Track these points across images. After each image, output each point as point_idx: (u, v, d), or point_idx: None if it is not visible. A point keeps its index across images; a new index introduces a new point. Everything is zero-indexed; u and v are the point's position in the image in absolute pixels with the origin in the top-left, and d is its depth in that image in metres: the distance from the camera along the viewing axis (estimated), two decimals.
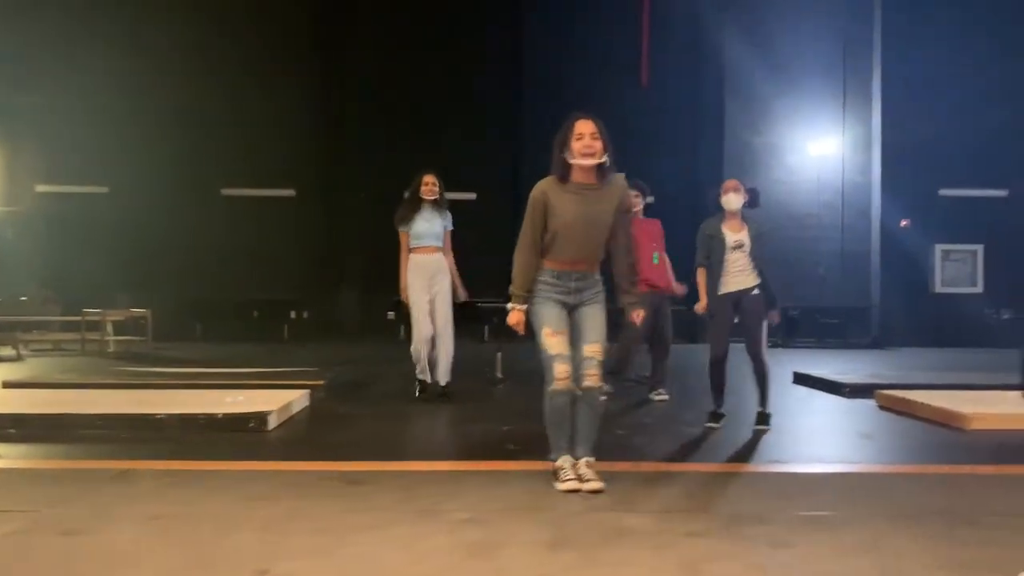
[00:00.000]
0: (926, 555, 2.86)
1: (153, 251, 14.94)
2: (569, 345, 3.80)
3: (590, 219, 3.75)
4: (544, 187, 3.82)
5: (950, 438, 5.44)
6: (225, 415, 5.23)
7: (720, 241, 5.65)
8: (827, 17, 16.12)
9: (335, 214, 15.57)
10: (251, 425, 5.18)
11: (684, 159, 15.65)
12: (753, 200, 5.87)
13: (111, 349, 11.90)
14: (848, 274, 15.98)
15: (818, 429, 5.74)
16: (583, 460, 3.79)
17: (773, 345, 14.92)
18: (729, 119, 15.94)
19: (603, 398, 3.95)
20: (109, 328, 12.12)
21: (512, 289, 3.89)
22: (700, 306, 5.78)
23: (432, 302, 6.65)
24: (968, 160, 15.65)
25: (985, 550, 2.92)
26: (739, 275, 5.65)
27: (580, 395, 3.79)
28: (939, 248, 15.83)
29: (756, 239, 5.61)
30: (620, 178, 3.87)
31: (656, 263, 7.04)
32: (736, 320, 5.70)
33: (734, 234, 5.63)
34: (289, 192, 15.64)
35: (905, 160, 15.62)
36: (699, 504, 3.54)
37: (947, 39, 15.38)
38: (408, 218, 6.68)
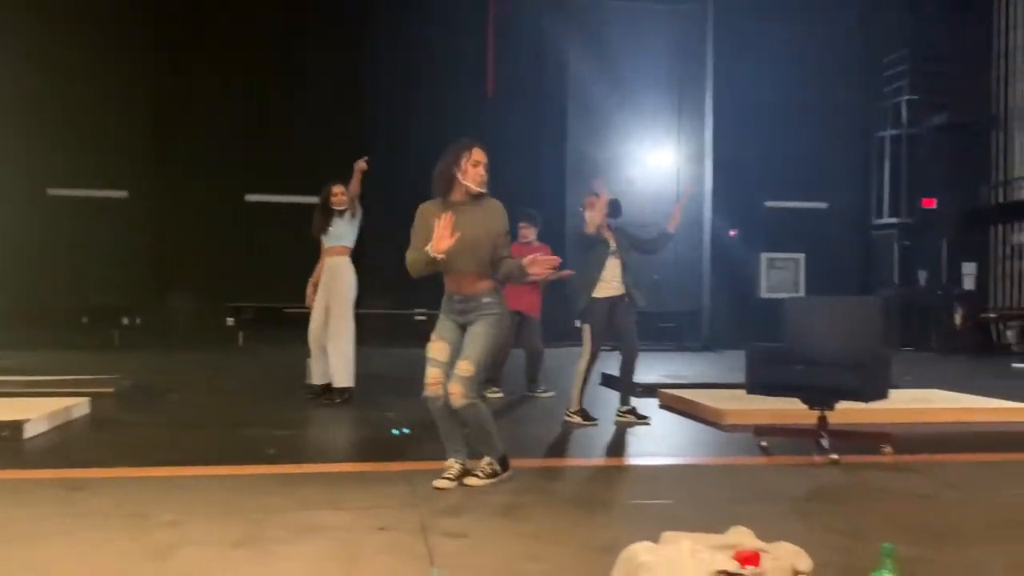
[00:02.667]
0: (565, 536, 3.11)
1: None
2: (448, 353, 3.95)
3: (460, 233, 3.83)
4: (428, 205, 4.06)
5: (701, 434, 5.84)
6: None
7: (605, 245, 6.05)
8: (663, 35, 16.83)
9: (169, 217, 15.09)
10: (3, 434, 5.03)
11: (527, 168, 15.95)
12: (615, 210, 6.34)
13: None
14: (681, 280, 16.69)
15: (581, 428, 6.03)
16: (484, 460, 4.02)
17: (612, 349, 15.61)
18: (571, 130, 16.41)
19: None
20: None
21: (416, 258, 3.93)
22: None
23: (329, 307, 6.89)
24: (791, 174, 16.61)
25: (609, 532, 3.14)
26: (614, 282, 6.09)
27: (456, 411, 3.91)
28: (764, 256, 16.75)
29: (634, 244, 6.21)
30: (494, 202, 4.05)
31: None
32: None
33: (612, 242, 6.10)
34: (121, 193, 15.08)
35: (734, 173, 16.45)
36: (411, 501, 3.70)
37: (771, 62, 16.26)
38: (324, 227, 6.99)
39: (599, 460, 4.80)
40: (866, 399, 4.70)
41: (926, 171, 16.37)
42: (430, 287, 4.33)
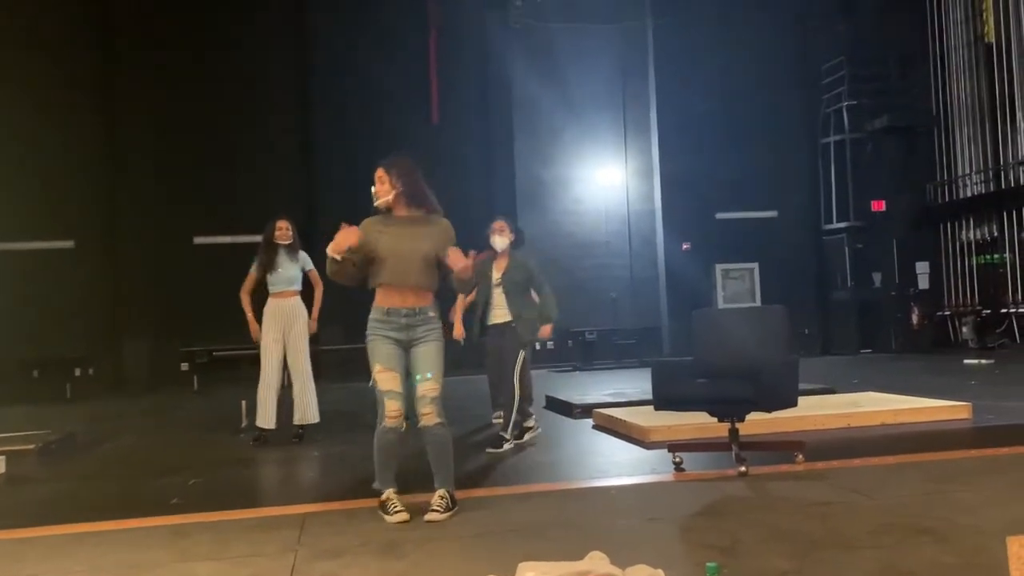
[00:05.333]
0: (435, 573, 3.06)
1: None
2: (401, 382, 3.98)
3: (404, 247, 4.01)
4: (370, 219, 4.16)
5: (625, 453, 5.79)
6: None
7: (488, 278, 6.32)
8: (606, 55, 16.98)
9: (118, 265, 14.97)
10: None
11: (479, 193, 15.97)
12: (519, 240, 6.54)
13: None
14: (638, 296, 16.75)
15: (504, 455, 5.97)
16: (438, 492, 3.99)
17: (573, 369, 15.58)
18: (519, 153, 16.46)
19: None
20: None
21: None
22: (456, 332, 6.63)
23: (287, 347, 6.93)
24: (740, 185, 16.72)
25: (480, 564, 3.10)
26: (499, 309, 6.32)
27: (423, 432, 3.97)
28: (719, 268, 16.81)
29: (531, 282, 6.29)
30: (443, 221, 4.18)
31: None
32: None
33: (498, 272, 6.33)
34: (68, 244, 14.94)
35: (683, 187, 16.54)
36: (293, 545, 3.62)
37: (712, 76, 16.39)
38: (270, 264, 6.91)
39: (502, 489, 4.73)
40: (767, 408, 4.68)
41: (872, 174, 16.56)
42: None
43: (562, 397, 8.79)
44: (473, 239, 6.81)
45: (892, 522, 3.53)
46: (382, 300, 4.07)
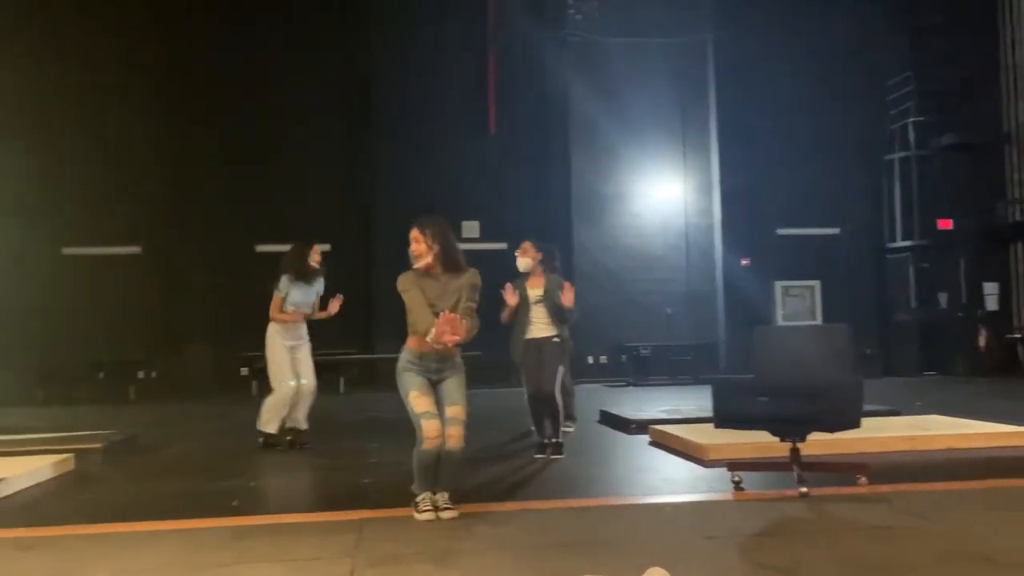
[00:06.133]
0: None
1: None
2: (435, 406, 4.24)
3: (444, 301, 4.26)
4: (409, 274, 4.35)
5: (682, 471, 5.73)
6: None
7: (524, 295, 6.49)
8: (664, 69, 16.88)
9: (182, 270, 15.38)
10: None
11: (535, 205, 16.02)
12: (550, 258, 6.73)
13: None
14: (695, 312, 16.56)
15: (557, 468, 5.94)
16: (440, 494, 4.26)
17: (627, 384, 15.47)
18: (576, 167, 16.45)
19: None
20: None
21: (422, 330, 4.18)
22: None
23: (297, 358, 7.22)
24: (802, 201, 16.47)
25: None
26: (540, 324, 6.46)
27: (445, 453, 4.18)
28: (779, 285, 16.55)
29: (550, 292, 6.43)
30: (472, 271, 4.40)
31: None
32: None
33: (533, 290, 6.50)
34: (134, 249, 15.40)
35: (743, 202, 16.34)
36: (351, 551, 3.67)
37: (774, 91, 16.19)
38: (308, 277, 7.17)
39: (557, 502, 4.71)
40: (831, 428, 4.59)
41: (938, 192, 16.18)
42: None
43: (617, 412, 8.71)
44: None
45: (955, 549, 3.43)
46: (417, 346, 4.28)
